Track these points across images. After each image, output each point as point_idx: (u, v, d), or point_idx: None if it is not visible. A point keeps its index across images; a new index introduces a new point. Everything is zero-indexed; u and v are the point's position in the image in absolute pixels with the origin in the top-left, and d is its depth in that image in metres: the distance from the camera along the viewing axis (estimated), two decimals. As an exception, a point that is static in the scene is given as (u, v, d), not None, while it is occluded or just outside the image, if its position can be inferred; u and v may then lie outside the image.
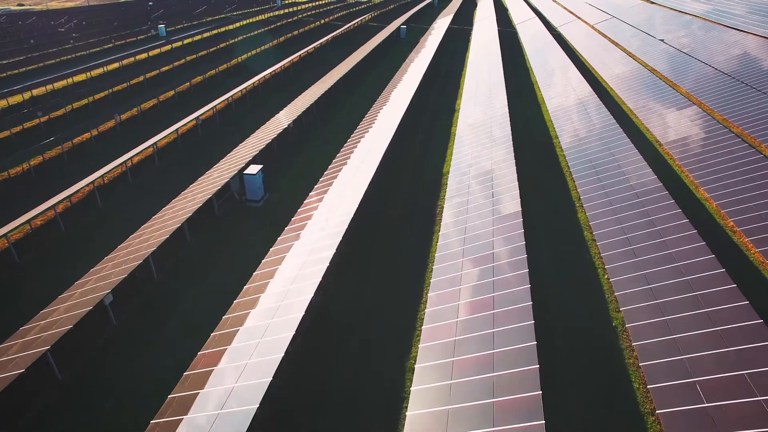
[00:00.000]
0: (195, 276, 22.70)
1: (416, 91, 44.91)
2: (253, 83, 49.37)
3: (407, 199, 29.33)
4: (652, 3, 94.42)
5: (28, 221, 24.37)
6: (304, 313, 16.75)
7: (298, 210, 26.01)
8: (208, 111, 41.29)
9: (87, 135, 38.22)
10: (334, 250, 20.06)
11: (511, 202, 23.90)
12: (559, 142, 36.99)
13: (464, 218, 24.56)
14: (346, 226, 21.68)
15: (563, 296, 21.13)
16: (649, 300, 18.97)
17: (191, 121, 38.36)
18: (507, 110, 37.91)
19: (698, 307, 17.67)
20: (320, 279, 18.28)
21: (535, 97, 49.73)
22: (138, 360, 18.17)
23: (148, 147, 32.57)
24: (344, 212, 23.25)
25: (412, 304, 20.75)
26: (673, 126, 37.98)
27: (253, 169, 28.02)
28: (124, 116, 42.74)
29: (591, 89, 44.30)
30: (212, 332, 17.93)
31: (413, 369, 16.93)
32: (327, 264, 19.22)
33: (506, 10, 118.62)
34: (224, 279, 22.51)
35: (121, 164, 30.34)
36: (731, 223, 25.64)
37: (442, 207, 27.44)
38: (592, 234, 24.76)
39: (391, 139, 32.32)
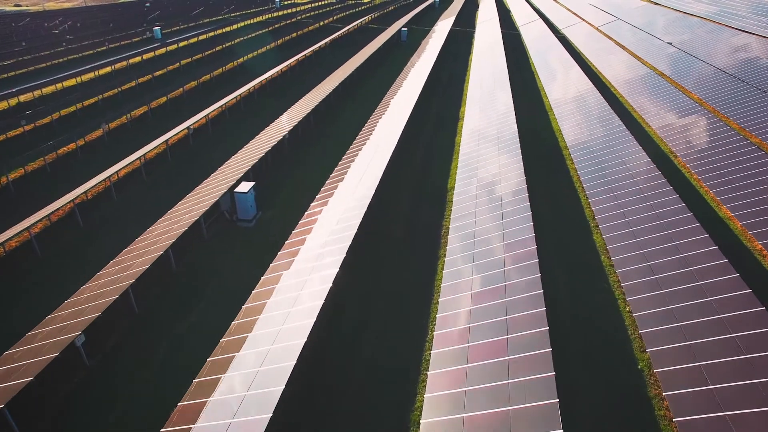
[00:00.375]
0: (179, 309, 20.79)
1: (418, 98, 43.02)
2: (248, 89, 47.46)
3: (410, 220, 27.41)
4: (656, 4, 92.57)
5: (0, 244, 22.57)
6: (296, 361, 14.92)
7: (293, 232, 24.13)
8: (200, 119, 39.42)
9: (73, 145, 36.36)
10: (331, 284, 18.21)
11: (523, 226, 22.03)
12: (569, 153, 35.15)
13: (472, 242, 22.69)
14: (344, 255, 19.83)
15: (581, 333, 19.25)
16: (679, 341, 17.12)
17: (182, 130, 36.49)
18: (514, 118, 36.03)
19: (737, 352, 15.83)
20: (314, 320, 16.43)
21: (541, 102, 47.88)
22: (112, 410, 16.31)
23: (135, 160, 30.72)
24: (342, 237, 21.39)
25: (416, 343, 18.88)
26: (688, 136, 36.08)
27: (245, 186, 26.16)
28: (112, 125, 40.89)
29: (600, 95, 42.40)
30: (195, 378, 16.13)
31: (418, 422, 15.13)
32: (322, 301, 17.37)
33: (509, 11, 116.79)
34: (212, 312, 20.63)
35: (105, 179, 28.47)
36: (759, 246, 23.82)
37: (448, 228, 25.59)
38: (610, 259, 22.92)
39: (393, 153, 30.47)
